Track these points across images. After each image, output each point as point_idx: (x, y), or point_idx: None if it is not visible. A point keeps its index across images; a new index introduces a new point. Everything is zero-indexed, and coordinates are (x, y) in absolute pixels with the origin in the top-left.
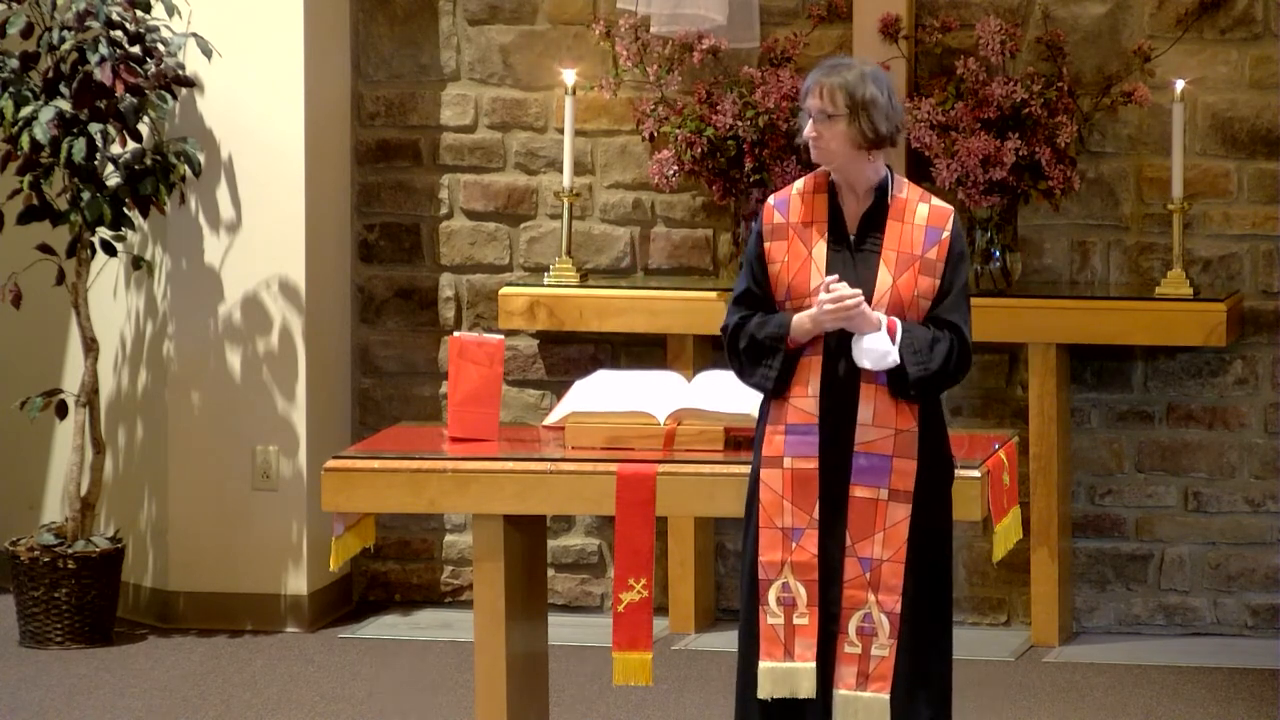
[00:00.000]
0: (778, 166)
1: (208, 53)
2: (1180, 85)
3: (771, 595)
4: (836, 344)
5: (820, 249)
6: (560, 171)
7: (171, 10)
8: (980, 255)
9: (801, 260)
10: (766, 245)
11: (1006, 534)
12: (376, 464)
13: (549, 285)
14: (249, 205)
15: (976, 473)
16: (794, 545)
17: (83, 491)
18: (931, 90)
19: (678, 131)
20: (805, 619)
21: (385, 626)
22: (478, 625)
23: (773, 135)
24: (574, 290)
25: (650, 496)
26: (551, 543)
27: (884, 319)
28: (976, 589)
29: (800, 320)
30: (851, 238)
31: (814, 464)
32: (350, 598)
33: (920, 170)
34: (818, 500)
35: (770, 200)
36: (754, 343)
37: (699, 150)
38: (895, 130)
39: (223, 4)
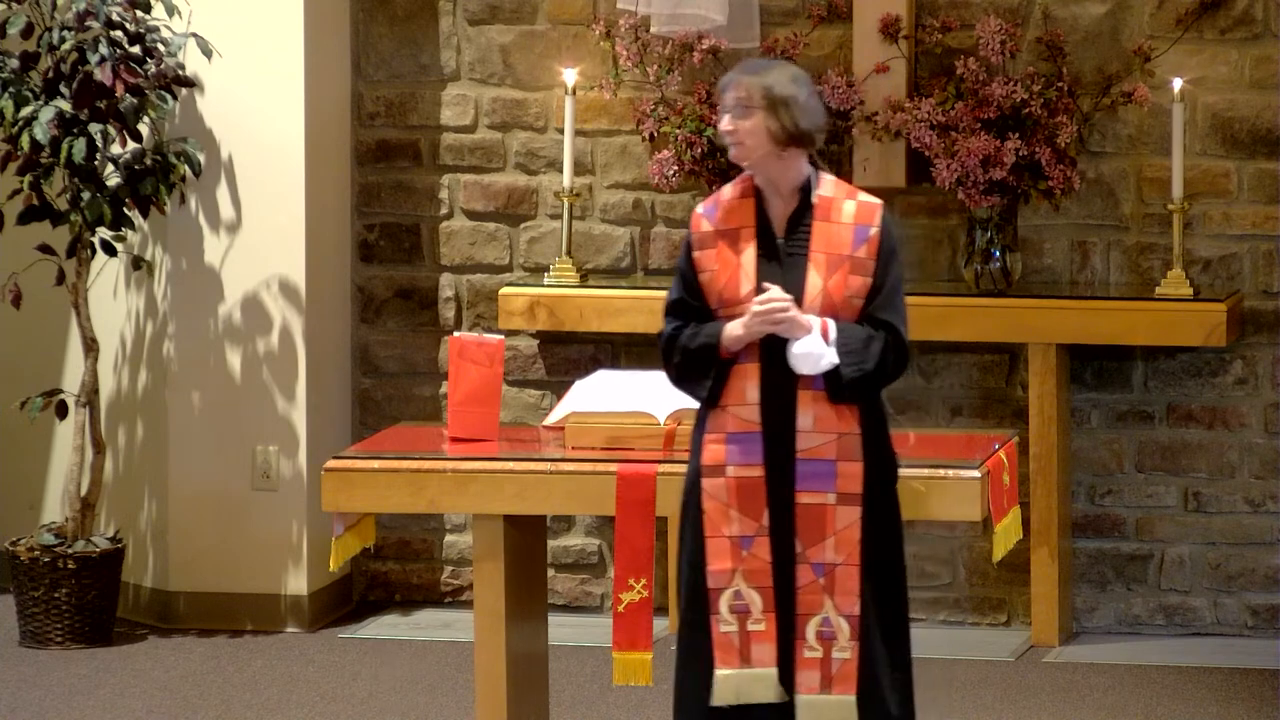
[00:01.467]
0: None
1: (208, 53)
2: (1180, 85)
3: (724, 604)
4: (772, 350)
5: (749, 255)
6: (560, 171)
7: (171, 10)
8: (980, 255)
9: (731, 268)
10: (696, 254)
11: (1006, 534)
12: (376, 464)
13: (549, 285)
14: (249, 205)
15: (976, 473)
16: (744, 553)
17: (83, 491)
18: (931, 90)
19: (678, 131)
20: (762, 625)
21: (385, 626)
22: (478, 625)
23: None
24: (574, 290)
25: (650, 496)
26: (551, 543)
27: (816, 322)
28: (976, 589)
29: (731, 329)
30: (780, 241)
31: (760, 471)
32: (350, 598)
33: (920, 170)
34: (766, 506)
35: (698, 208)
36: (687, 354)
37: (699, 150)
38: (815, 129)
39: (223, 4)
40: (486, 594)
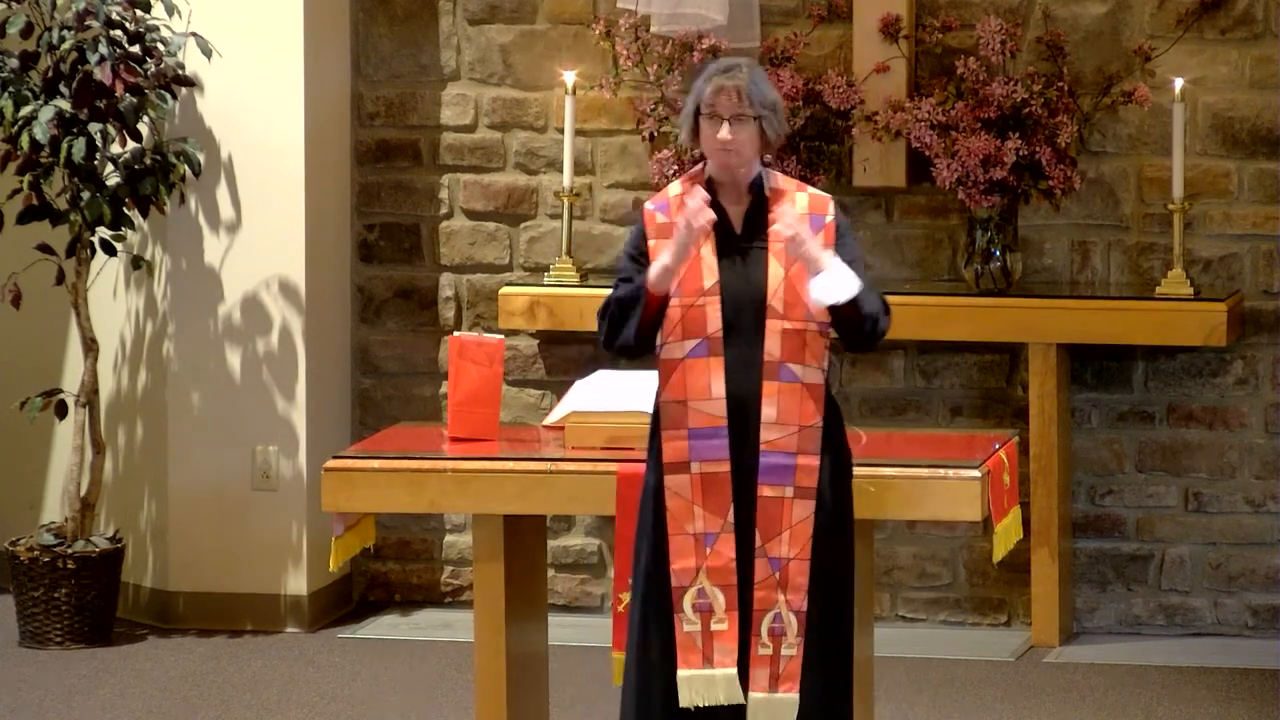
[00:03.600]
0: (777, 166)
1: (208, 53)
2: (1180, 85)
3: (686, 602)
4: (734, 344)
5: (708, 249)
6: (560, 171)
7: (171, 10)
8: (980, 255)
9: (690, 261)
10: (652, 243)
11: (1007, 534)
12: (376, 464)
13: (549, 285)
14: (249, 205)
15: (976, 473)
16: (708, 550)
17: (83, 491)
18: (931, 90)
19: (678, 131)
20: (724, 624)
21: (385, 626)
22: (478, 625)
23: None
24: (574, 290)
25: None
26: (551, 543)
27: (829, 256)
28: (976, 589)
29: (658, 262)
30: (738, 234)
31: (725, 467)
32: (350, 598)
33: (920, 170)
34: (731, 503)
35: (649, 205)
36: (620, 304)
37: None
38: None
39: (223, 4)
40: (486, 594)
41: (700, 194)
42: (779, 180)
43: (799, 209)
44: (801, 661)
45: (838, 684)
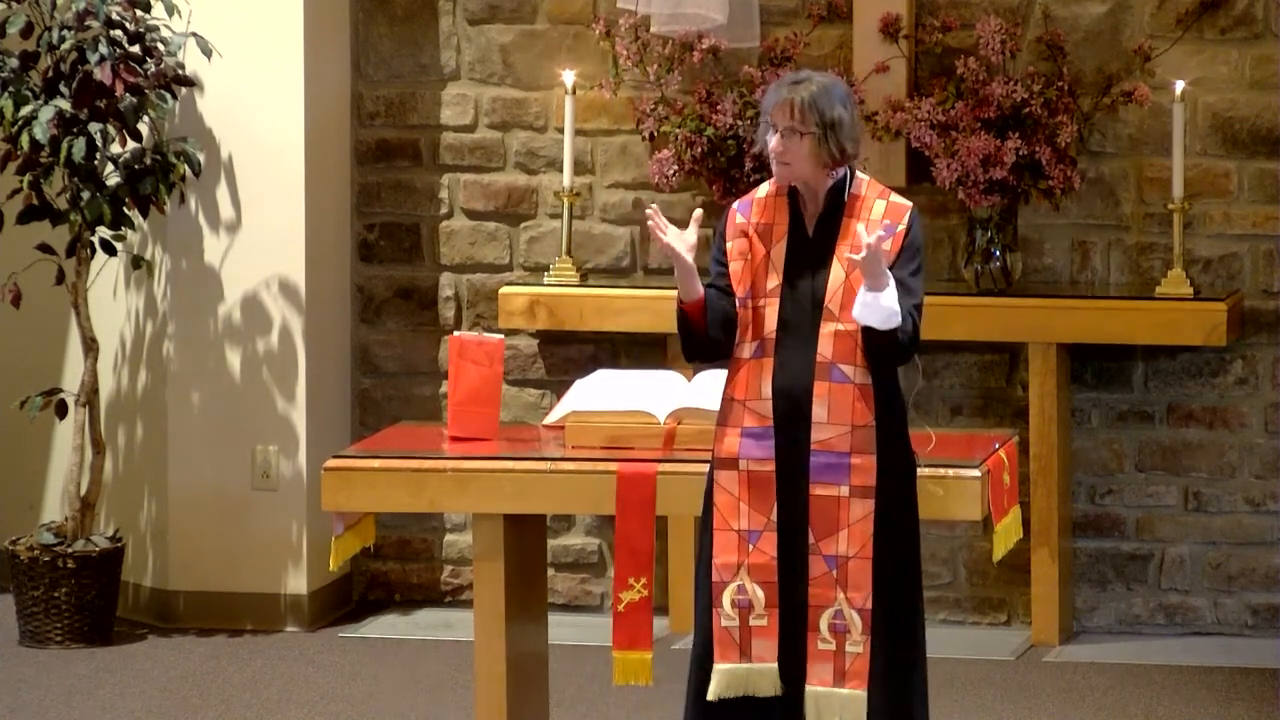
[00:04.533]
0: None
1: (208, 52)
2: (1180, 85)
3: (726, 598)
4: (786, 345)
5: (779, 250)
6: (560, 171)
7: (171, 10)
8: (980, 255)
9: (760, 260)
10: (728, 245)
11: (1007, 534)
12: (376, 464)
13: (549, 285)
14: (249, 205)
15: (976, 472)
16: (751, 548)
17: (82, 491)
18: (931, 90)
19: (678, 131)
20: (764, 620)
21: (385, 626)
22: (478, 625)
23: None
24: (574, 290)
25: (650, 496)
26: (551, 543)
27: (891, 279)
28: (976, 589)
29: (679, 273)
30: (810, 238)
31: (771, 466)
32: (350, 598)
33: (920, 170)
34: (775, 503)
35: (734, 205)
36: (678, 322)
37: (699, 150)
38: (857, 147)
39: (223, 4)
40: (486, 594)
41: (654, 210)
42: (863, 187)
43: (874, 215)
44: (870, 660)
45: (910, 684)
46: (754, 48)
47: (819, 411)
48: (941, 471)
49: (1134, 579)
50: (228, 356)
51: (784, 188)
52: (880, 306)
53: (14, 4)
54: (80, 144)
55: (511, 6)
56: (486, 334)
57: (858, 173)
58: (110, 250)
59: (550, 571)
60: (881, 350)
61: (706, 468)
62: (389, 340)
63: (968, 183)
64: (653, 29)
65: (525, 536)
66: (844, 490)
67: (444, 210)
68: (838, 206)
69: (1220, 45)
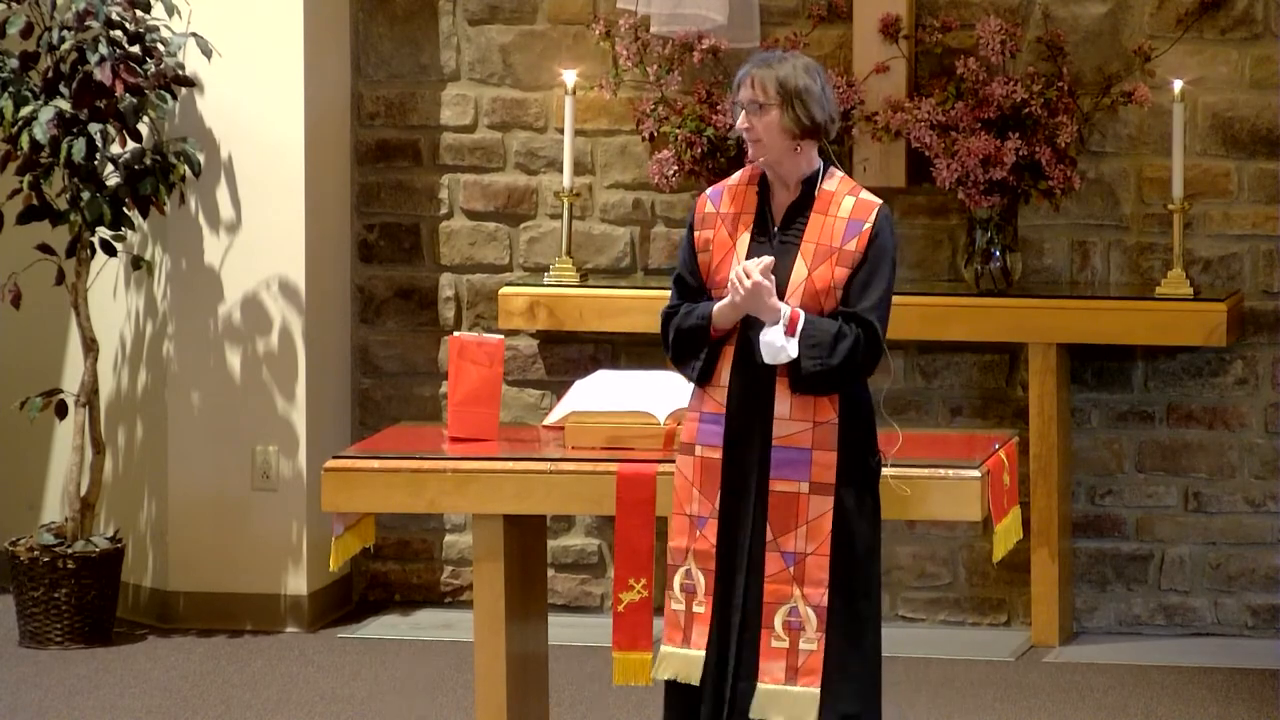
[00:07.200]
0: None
1: (208, 53)
2: (1180, 85)
3: (676, 581)
4: (750, 336)
5: (744, 240)
6: (560, 171)
7: (171, 10)
8: (980, 255)
9: (726, 250)
10: (697, 234)
11: (1007, 534)
12: (376, 464)
13: (549, 285)
14: (249, 205)
15: (976, 473)
16: (698, 533)
17: (82, 491)
18: (931, 90)
19: (678, 131)
20: (702, 608)
21: (385, 626)
22: (478, 625)
23: None
24: (574, 290)
25: (650, 496)
26: (551, 543)
27: (786, 311)
28: (976, 589)
29: (722, 308)
30: (775, 229)
31: (718, 454)
32: (350, 598)
33: (920, 170)
34: (719, 490)
35: (706, 192)
36: (680, 334)
37: (699, 150)
38: (829, 120)
39: (223, 4)
40: (486, 594)
41: (753, 265)
42: (835, 181)
43: (841, 212)
44: (824, 657)
45: (865, 682)
46: (754, 48)
47: (781, 407)
48: (941, 472)
49: (1134, 579)
50: (228, 356)
51: (755, 175)
52: (764, 343)
53: (14, 4)
54: (80, 144)
55: (511, 7)
56: (486, 334)
57: (833, 168)
58: (110, 250)
59: (550, 572)
60: (803, 383)
61: None
62: (389, 340)
63: (968, 183)
64: (652, 29)
65: (525, 537)
66: (804, 486)
67: (444, 210)
68: (807, 199)
69: (1220, 45)
